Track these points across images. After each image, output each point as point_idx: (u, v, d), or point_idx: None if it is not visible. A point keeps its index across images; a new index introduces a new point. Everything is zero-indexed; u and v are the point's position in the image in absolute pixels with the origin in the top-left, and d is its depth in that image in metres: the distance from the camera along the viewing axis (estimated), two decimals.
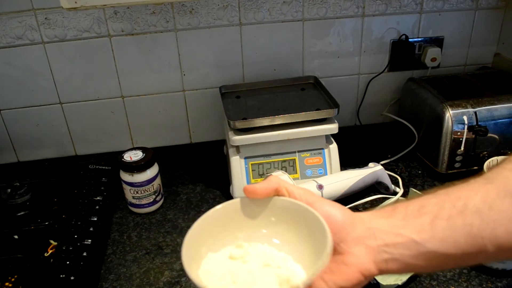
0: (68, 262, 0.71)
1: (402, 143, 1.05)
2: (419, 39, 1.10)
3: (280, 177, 0.46)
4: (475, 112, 0.90)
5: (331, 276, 0.39)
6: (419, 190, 0.86)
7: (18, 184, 0.91)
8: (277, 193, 0.44)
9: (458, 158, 0.92)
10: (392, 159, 1.02)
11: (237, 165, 0.88)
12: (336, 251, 0.40)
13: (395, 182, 0.93)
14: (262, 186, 0.43)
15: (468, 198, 0.39)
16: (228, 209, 0.45)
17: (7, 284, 0.70)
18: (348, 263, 0.39)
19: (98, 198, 0.88)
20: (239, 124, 0.85)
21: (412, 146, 1.02)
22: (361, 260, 0.39)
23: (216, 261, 0.42)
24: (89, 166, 0.98)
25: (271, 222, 0.45)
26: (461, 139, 0.90)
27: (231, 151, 0.90)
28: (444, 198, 0.40)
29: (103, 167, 0.98)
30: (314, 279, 0.38)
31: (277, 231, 0.45)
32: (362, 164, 0.93)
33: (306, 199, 0.42)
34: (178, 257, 0.79)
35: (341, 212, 0.41)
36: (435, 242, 0.38)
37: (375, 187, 0.91)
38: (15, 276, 0.71)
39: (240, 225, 0.45)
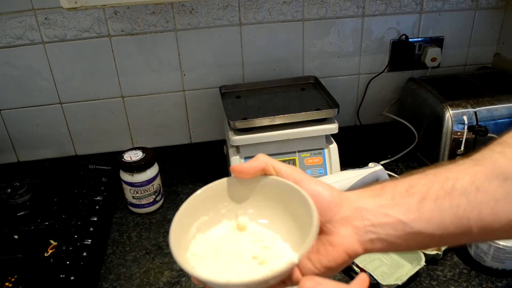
0: (68, 262, 0.71)
1: (402, 143, 1.05)
2: (419, 39, 1.10)
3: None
4: (475, 112, 0.90)
5: (317, 256, 0.40)
6: None
7: (18, 184, 0.91)
8: (265, 171, 0.43)
9: (458, 158, 0.92)
10: (392, 159, 1.02)
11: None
12: (322, 231, 0.40)
13: None
14: (249, 165, 0.43)
15: (456, 179, 0.39)
16: (215, 189, 0.44)
17: (7, 284, 0.70)
18: (334, 244, 0.39)
19: (98, 198, 0.88)
20: (239, 124, 0.85)
21: (412, 146, 1.02)
22: (347, 240, 0.39)
23: (204, 242, 0.43)
24: (89, 166, 0.98)
25: (258, 202, 0.45)
26: (461, 139, 0.90)
27: (231, 151, 0.90)
28: (433, 179, 0.40)
29: (103, 167, 0.98)
30: (301, 259, 0.38)
31: (264, 210, 0.45)
32: (362, 164, 0.93)
33: (294, 177, 0.42)
34: None
35: (328, 191, 0.41)
36: (422, 223, 0.38)
37: None
38: (15, 276, 0.71)
39: (227, 205, 0.45)
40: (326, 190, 0.41)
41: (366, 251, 0.40)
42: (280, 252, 0.40)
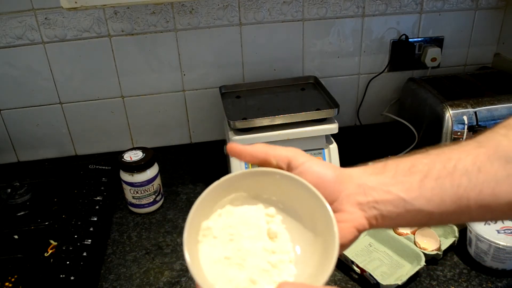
0: (68, 262, 0.71)
1: (402, 143, 1.05)
2: (419, 39, 1.10)
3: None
4: (475, 112, 0.90)
5: None
6: None
7: (18, 184, 0.91)
8: (265, 164, 0.43)
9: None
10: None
11: (237, 165, 0.88)
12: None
13: None
14: (247, 151, 0.43)
15: (458, 159, 0.40)
16: (228, 185, 0.43)
17: (7, 284, 0.70)
18: (344, 220, 0.40)
19: (98, 198, 0.88)
20: (239, 124, 0.85)
21: (412, 146, 1.02)
22: (355, 216, 0.40)
23: (228, 216, 0.41)
24: (89, 166, 0.98)
25: (273, 202, 0.43)
26: (461, 139, 0.90)
27: None
28: (435, 159, 0.41)
29: (103, 167, 0.98)
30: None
31: (287, 215, 0.43)
32: (362, 164, 0.93)
33: (297, 160, 0.42)
34: (178, 257, 0.79)
35: (332, 171, 0.41)
36: (422, 201, 0.39)
37: None
38: (15, 276, 0.71)
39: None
40: (330, 171, 0.41)
41: (371, 226, 0.41)
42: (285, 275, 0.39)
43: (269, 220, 0.42)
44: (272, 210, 0.43)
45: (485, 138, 0.41)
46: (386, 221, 0.41)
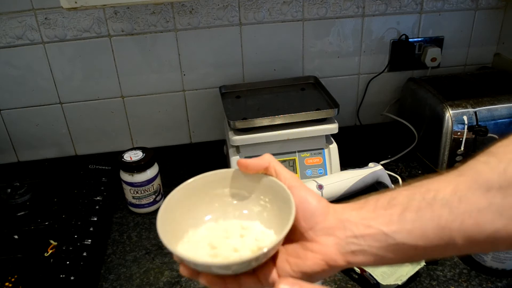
0: (68, 262, 0.71)
1: (402, 143, 1.05)
2: (419, 39, 1.10)
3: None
4: (475, 112, 0.90)
5: (296, 260, 0.40)
6: None
7: (18, 184, 0.91)
8: (267, 171, 0.45)
9: (458, 158, 0.92)
10: (392, 159, 1.02)
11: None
12: (304, 238, 0.41)
13: (395, 182, 0.93)
14: (254, 161, 0.45)
15: (438, 190, 0.39)
16: (214, 178, 0.48)
17: (7, 284, 0.70)
18: (314, 251, 0.40)
19: (98, 198, 0.88)
20: (239, 124, 0.85)
21: (412, 146, 1.02)
22: (327, 249, 0.40)
23: (196, 234, 0.46)
24: (89, 166, 0.98)
25: (244, 196, 0.47)
26: (461, 139, 0.90)
27: (231, 151, 0.90)
28: (415, 190, 0.40)
29: (103, 167, 0.98)
30: (279, 260, 0.40)
31: (247, 203, 0.47)
32: (362, 164, 0.93)
33: (289, 182, 0.43)
34: None
35: (316, 200, 0.42)
36: (404, 234, 0.38)
37: (375, 187, 0.91)
38: (15, 276, 0.71)
39: (223, 192, 0.48)
40: (314, 199, 0.42)
41: (349, 263, 0.40)
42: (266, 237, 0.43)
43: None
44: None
45: (466, 166, 0.40)
46: (367, 257, 0.40)
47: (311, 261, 0.40)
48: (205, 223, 0.47)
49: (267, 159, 0.45)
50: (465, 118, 0.90)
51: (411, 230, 0.38)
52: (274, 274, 0.40)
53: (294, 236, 0.42)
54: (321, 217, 0.41)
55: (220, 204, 0.48)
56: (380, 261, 0.40)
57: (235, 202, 0.48)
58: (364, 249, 0.39)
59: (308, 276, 0.40)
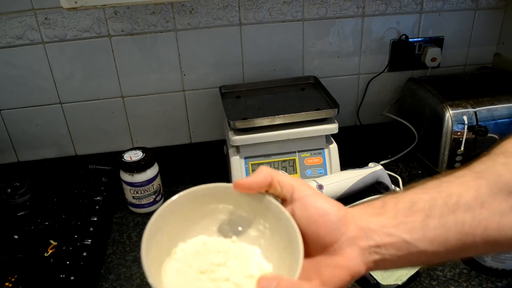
0: (68, 262, 0.71)
1: (402, 143, 1.05)
2: (419, 39, 1.10)
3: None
4: (475, 112, 0.90)
5: (319, 276, 0.38)
6: None
7: (18, 184, 0.91)
8: (270, 187, 0.41)
9: (458, 158, 0.92)
10: (392, 159, 1.02)
11: (237, 165, 0.88)
12: (327, 252, 0.39)
13: (395, 182, 0.93)
14: (254, 180, 0.41)
15: (459, 195, 0.38)
16: (210, 192, 0.43)
17: (7, 284, 0.70)
18: (340, 266, 0.38)
19: (98, 198, 0.88)
20: (239, 124, 0.85)
21: (412, 146, 1.02)
22: (353, 262, 0.38)
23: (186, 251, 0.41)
24: (89, 166, 0.98)
25: (242, 216, 0.43)
26: (461, 139, 0.90)
27: (231, 151, 0.90)
28: (435, 195, 0.39)
29: (103, 167, 0.98)
30: (303, 283, 0.37)
31: (244, 224, 0.43)
32: (362, 164, 0.93)
33: (299, 192, 0.40)
34: None
35: (336, 210, 0.39)
36: (426, 242, 0.38)
37: (375, 187, 0.91)
38: (15, 276, 0.71)
39: (220, 214, 0.43)
40: (333, 209, 0.39)
41: (369, 270, 0.39)
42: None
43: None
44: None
45: (484, 167, 0.40)
46: (387, 264, 0.39)
47: (337, 277, 0.38)
48: (196, 237, 0.42)
49: (267, 173, 0.41)
50: (465, 118, 0.90)
51: (434, 238, 0.38)
52: None
53: (312, 251, 0.39)
54: (344, 227, 0.39)
55: (213, 221, 0.43)
56: (400, 265, 0.40)
57: (230, 219, 0.43)
58: (386, 258, 0.38)
59: None
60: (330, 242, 0.38)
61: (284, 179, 0.41)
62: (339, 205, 0.40)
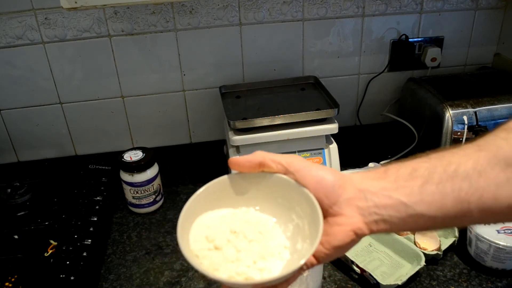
0: (68, 262, 0.71)
1: (402, 143, 1.05)
2: (419, 39, 1.10)
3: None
4: (475, 112, 0.90)
5: (326, 237, 0.40)
6: None
7: (18, 184, 0.91)
8: (263, 166, 0.44)
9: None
10: (392, 159, 1.02)
11: None
12: (329, 214, 0.41)
13: None
14: (246, 158, 0.44)
15: (459, 164, 0.40)
16: (218, 187, 0.45)
17: (7, 284, 0.70)
18: (342, 223, 0.40)
19: (98, 198, 0.88)
20: (239, 124, 0.85)
21: (412, 146, 1.02)
22: (353, 220, 0.40)
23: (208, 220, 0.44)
24: (89, 166, 0.98)
25: (264, 200, 0.45)
26: (461, 139, 0.90)
27: (231, 151, 0.90)
28: (436, 163, 0.41)
29: (103, 167, 0.98)
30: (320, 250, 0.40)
31: (270, 209, 0.45)
32: (362, 164, 0.93)
33: (295, 166, 0.43)
34: (178, 257, 0.79)
35: (332, 175, 0.42)
36: (423, 205, 0.40)
37: None
38: (15, 276, 0.71)
39: (233, 202, 0.45)
40: (329, 174, 0.42)
41: (371, 231, 0.41)
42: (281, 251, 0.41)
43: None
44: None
45: (485, 141, 0.42)
46: (387, 226, 0.41)
47: (341, 235, 0.40)
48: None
49: (260, 154, 0.44)
50: (465, 118, 0.90)
51: (431, 202, 0.39)
52: (311, 258, 0.41)
53: None
54: (340, 189, 0.41)
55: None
56: (399, 228, 0.42)
57: (257, 208, 0.46)
58: (385, 218, 0.40)
59: (340, 249, 0.41)
60: (329, 204, 0.41)
61: (277, 157, 0.44)
62: (335, 171, 0.43)
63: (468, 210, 0.39)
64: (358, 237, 0.41)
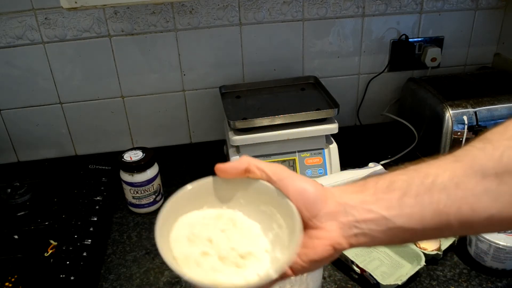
0: (68, 262, 0.71)
1: (402, 143, 1.05)
2: (419, 39, 1.10)
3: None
4: (475, 112, 0.90)
5: (304, 250, 0.40)
6: None
7: (18, 184, 0.91)
8: (248, 172, 0.44)
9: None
10: (392, 159, 1.02)
11: None
12: (309, 226, 0.41)
13: None
14: (231, 165, 0.44)
15: (436, 175, 0.40)
16: (201, 189, 0.46)
17: (7, 284, 0.70)
18: (321, 237, 0.40)
19: (98, 198, 0.88)
20: (239, 124, 0.85)
21: (412, 146, 1.02)
22: (332, 234, 0.40)
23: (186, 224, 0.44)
24: (89, 166, 0.98)
25: (244, 205, 0.45)
26: (461, 139, 0.90)
27: (231, 151, 0.90)
28: (413, 175, 0.41)
29: (103, 167, 0.98)
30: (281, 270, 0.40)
31: (250, 214, 0.45)
32: (362, 164, 0.93)
33: (279, 175, 0.42)
34: None
35: (313, 187, 0.42)
36: (403, 218, 0.39)
37: None
38: (15, 276, 0.71)
39: (213, 205, 0.46)
40: (311, 186, 0.42)
41: (351, 245, 0.41)
42: (261, 260, 0.41)
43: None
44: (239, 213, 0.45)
45: (462, 152, 0.41)
46: (367, 239, 0.41)
47: (320, 249, 0.40)
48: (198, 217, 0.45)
49: (245, 160, 0.44)
50: (465, 118, 0.90)
51: (411, 215, 0.39)
52: (287, 270, 0.41)
53: None
54: (322, 203, 0.41)
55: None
56: (379, 242, 0.41)
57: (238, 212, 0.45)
58: (365, 232, 0.40)
59: (317, 263, 0.41)
60: (309, 217, 0.41)
61: (261, 164, 0.43)
62: (317, 183, 0.43)
63: (448, 222, 0.39)
64: (336, 251, 0.41)
